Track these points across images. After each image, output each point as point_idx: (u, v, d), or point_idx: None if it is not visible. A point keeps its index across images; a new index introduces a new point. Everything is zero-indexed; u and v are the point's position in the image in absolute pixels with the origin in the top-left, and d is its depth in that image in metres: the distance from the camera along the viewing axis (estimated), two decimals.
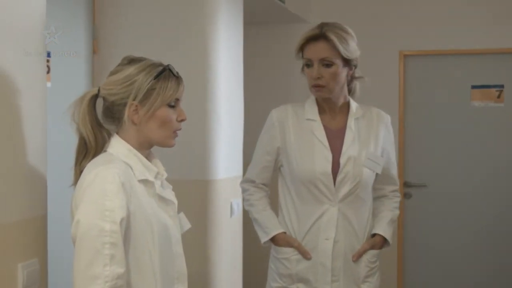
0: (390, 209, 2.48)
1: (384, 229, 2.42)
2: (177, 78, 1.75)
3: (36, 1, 1.86)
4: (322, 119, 2.38)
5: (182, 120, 1.77)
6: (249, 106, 4.16)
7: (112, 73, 1.74)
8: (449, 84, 4.98)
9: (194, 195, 3.21)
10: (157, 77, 1.70)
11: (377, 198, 2.50)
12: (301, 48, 2.34)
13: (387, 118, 2.46)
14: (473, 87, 4.90)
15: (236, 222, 3.54)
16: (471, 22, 4.84)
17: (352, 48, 2.29)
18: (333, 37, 2.25)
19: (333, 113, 2.39)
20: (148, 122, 1.71)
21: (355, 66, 2.36)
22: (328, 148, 2.33)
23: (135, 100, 1.68)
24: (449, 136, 4.91)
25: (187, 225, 1.92)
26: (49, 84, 2.86)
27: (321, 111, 2.39)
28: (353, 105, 2.41)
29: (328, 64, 2.27)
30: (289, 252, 2.38)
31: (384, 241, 2.42)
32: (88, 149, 1.72)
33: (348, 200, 2.33)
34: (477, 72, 4.91)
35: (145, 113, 1.69)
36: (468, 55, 4.89)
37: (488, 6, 4.81)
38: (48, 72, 2.85)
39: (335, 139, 2.35)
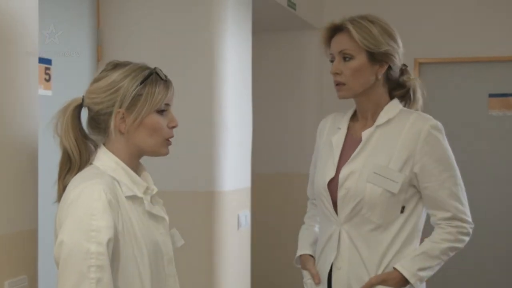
0: (432, 240, 2.00)
1: (405, 263, 1.96)
2: (166, 81, 1.64)
3: (28, 2, 1.79)
4: (351, 127, 2.10)
5: (173, 127, 1.66)
6: (259, 116, 4.08)
7: (96, 80, 1.64)
8: (465, 92, 4.88)
9: (199, 207, 3.14)
10: (143, 81, 1.60)
11: (433, 225, 2.05)
12: (328, 45, 2.08)
13: (428, 126, 1.99)
14: (491, 95, 4.80)
15: (243, 235, 3.45)
16: (488, 29, 4.76)
17: (381, 41, 1.97)
18: (350, 26, 1.98)
19: (365, 119, 2.08)
20: (136, 130, 1.60)
21: (391, 64, 2.02)
22: (336, 159, 2.05)
23: (121, 108, 1.58)
24: (466, 147, 4.79)
25: (180, 242, 1.80)
26: (50, 93, 2.78)
27: (355, 118, 2.12)
28: (387, 108, 2.05)
29: (347, 57, 1.99)
30: (305, 276, 2.17)
31: (405, 279, 1.96)
32: (72, 163, 1.62)
33: (354, 222, 1.99)
34: (494, 80, 4.81)
35: (133, 121, 1.59)
36: (485, 62, 4.79)
37: (504, 13, 4.72)
38: (48, 80, 2.78)
39: (352, 151, 2.05)
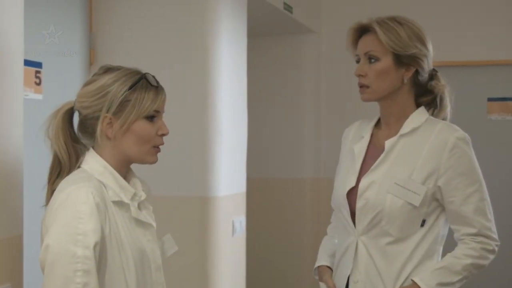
0: (454, 255, 1.90)
1: (424, 276, 1.87)
2: (157, 88, 1.61)
3: (13, 4, 1.76)
4: (375, 135, 2.03)
5: (163, 135, 1.63)
6: (255, 120, 4.04)
7: (86, 84, 1.62)
8: (464, 96, 4.81)
9: (193, 213, 3.09)
10: (132, 87, 1.56)
11: (456, 241, 1.97)
12: (355, 46, 2.00)
13: (454, 137, 1.90)
14: (490, 99, 4.74)
15: (238, 241, 3.40)
16: (486, 32, 4.72)
17: (408, 43, 1.91)
18: (376, 27, 1.91)
19: (388, 127, 2.01)
20: (123, 136, 1.58)
21: (418, 68, 1.95)
22: (357, 169, 1.98)
23: (109, 112, 1.56)
24: None
25: (173, 248, 1.78)
26: (40, 97, 2.74)
27: (379, 126, 2.05)
28: (412, 117, 1.97)
29: (373, 59, 1.92)
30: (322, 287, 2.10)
31: None
32: (62, 167, 1.61)
33: (372, 234, 1.92)
34: (493, 84, 4.76)
35: (120, 127, 1.56)
36: (483, 66, 4.74)
37: (503, 16, 4.68)
38: (39, 83, 2.73)
39: (374, 159, 1.98)
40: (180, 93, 3.06)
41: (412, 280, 1.88)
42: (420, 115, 1.98)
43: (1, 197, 1.69)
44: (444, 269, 1.88)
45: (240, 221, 3.40)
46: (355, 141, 2.06)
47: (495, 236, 1.94)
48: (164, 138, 1.65)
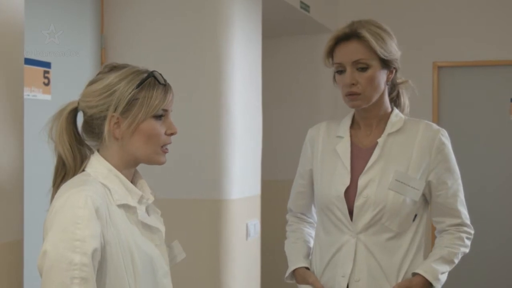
0: (445, 245, 2.03)
1: (426, 268, 1.97)
2: (165, 86, 1.56)
3: (14, 4, 1.72)
4: (354, 136, 2.06)
5: (171, 134, 1.58)
6: (270, 121, 3.97)
7: (91, 83, 1.56)
8: (486, 97, 4.74)
9: (206, 216, 3.04)
10: (140, 85, 1.51)
11: (438, 233, 2.09)
12: (330, 53, 2.02)
13: (439, 134, 2.00)
14: None
15: (253, 245, 3.34)
16: (509, 32, 4.63)
17: (391, 47, 1.95)
18: (366, 35, 1.92)
19: (369, 128, 2.05)
20: (132, 136, 1.52)
21: (396, 69, 2.00)
22: (348, 168, 2.00)
23: (116, 112, 1.50)
24: (487, 153, 4.65)
25: (181, 255, 1.73)
26: (49, 97, 2.70)
27: (355, 127, 2.08)
28: (394, 117, 2.03)
29: (363, 67, 1.94)
30: None
31: (428, 284, 1.96)
32: (67, 170, 1.55)
33: (372, 231, 1.96)
34: None
35: (128, 127, 1.51)
36: (507, 66, 4.67)
37: None
38: (47, 84, 2.69)
39: (362, 159, 2.01)
40: (194, 94, 3.02)
41: (414, 273, 1.97)
42: (398, 115, 2.06)
43: (0, 201, 1.64)
44: (441, 260, 2.00)
45: (254, 224, 3.34)
46: (331, 142, 2.09)
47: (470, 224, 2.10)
48: (178, 140, 1.60)
